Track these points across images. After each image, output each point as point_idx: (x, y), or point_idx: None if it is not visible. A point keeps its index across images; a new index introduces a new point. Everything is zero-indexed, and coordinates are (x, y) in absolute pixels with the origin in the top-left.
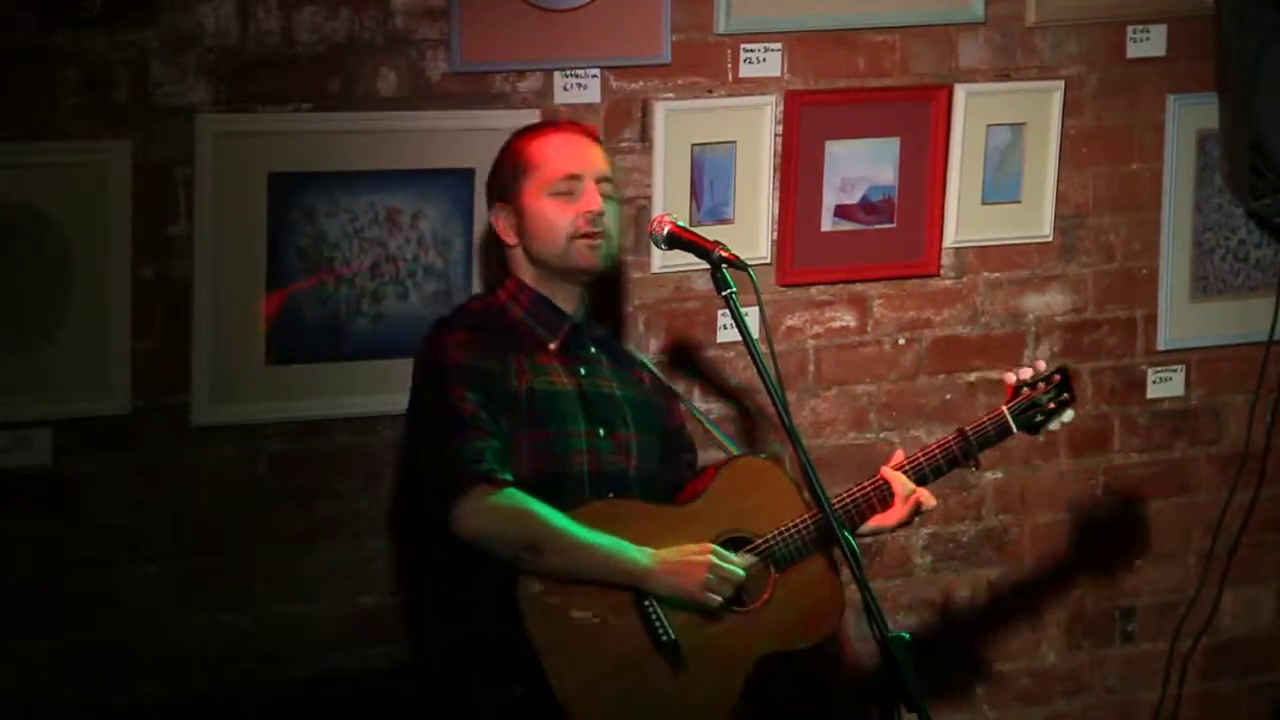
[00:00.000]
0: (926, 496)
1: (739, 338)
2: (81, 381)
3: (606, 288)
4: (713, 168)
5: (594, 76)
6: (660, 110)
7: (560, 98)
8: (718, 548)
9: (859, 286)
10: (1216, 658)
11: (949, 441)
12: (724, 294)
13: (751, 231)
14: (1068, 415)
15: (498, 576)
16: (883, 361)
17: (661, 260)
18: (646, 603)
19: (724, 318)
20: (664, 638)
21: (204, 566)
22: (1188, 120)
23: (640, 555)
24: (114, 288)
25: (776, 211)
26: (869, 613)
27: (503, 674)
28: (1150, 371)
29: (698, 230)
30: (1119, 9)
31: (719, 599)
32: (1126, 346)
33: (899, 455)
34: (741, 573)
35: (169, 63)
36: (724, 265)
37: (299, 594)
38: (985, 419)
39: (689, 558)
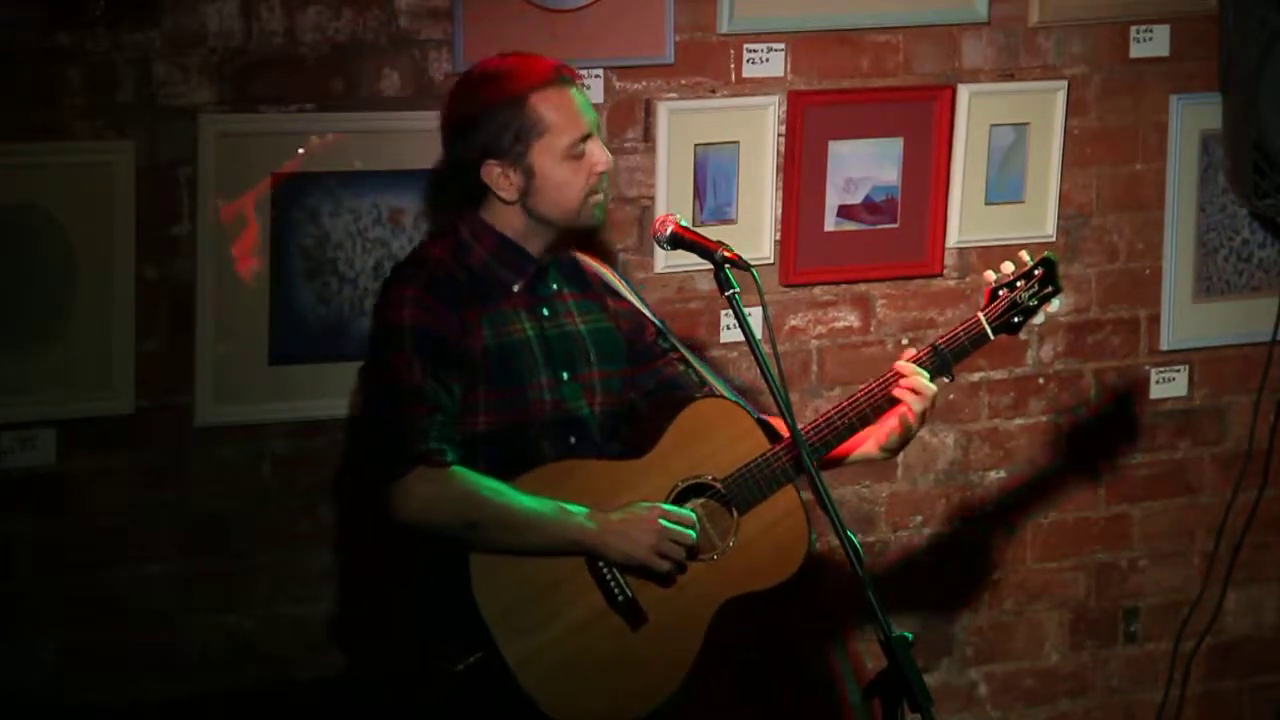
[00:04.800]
0: (924, 389)
1: (742, 338)
2: (85, 382)
3: None
4: (716, 168)
5: (597, 77)
6: (663, 110)
7: None
8: (668, 507)
9: (862, 286)
10: (1220, 658)
11: (921, 357)
12: (727, 294)
13: (754, 232)
14: (1055, 305)
15: (447, 545)
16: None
17: (665, 261)
18: (600, 562)
19: (727, 318)
20: (620, 597)
21: (207, 567)
22: (1191, 120)
23: (587, 522)
24: (118, 288)
25: (779, 212)
26: (872, 613)
27: (453, 642)
28: (1154, 372)
29: (701, 231)
30: (1122, 9)
31: (668, 565)
32: (1130, 347)
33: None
34: (692, 534)
35: (172, 63)
36: (727, 265)
37: (302, 594)
38: (959, 328)
39: (638, 523)
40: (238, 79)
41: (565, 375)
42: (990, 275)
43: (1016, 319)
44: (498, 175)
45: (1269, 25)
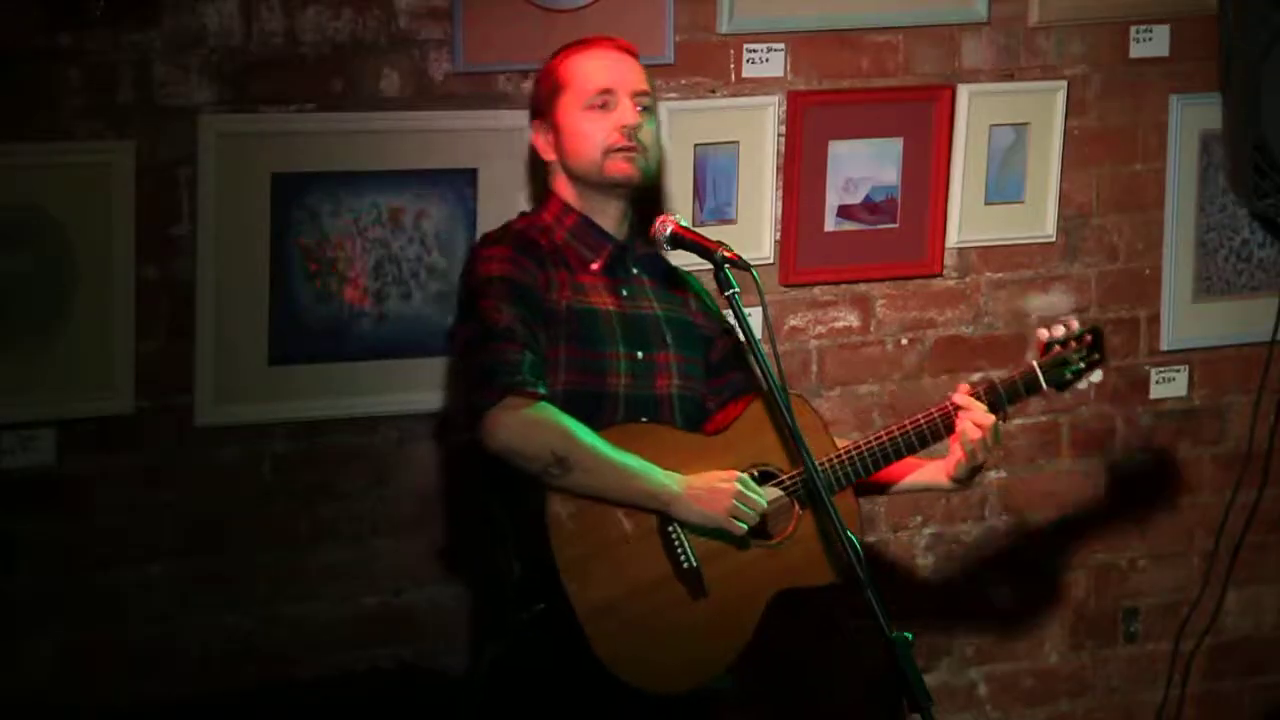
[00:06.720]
0: (981, 417)
1: (742, 338)
2: (85, 382)
3: None
4: (715, 168)
5: None
6: (663, 110)
7: None
8: (744, 475)
9: (862, 287)
10: (1220, 658)
11: (979, 393)
12: (727, 294)
13: (754, 231)
14: (1096, 376)
15: (526, 492)
16: (886, 362)
17: None
18: (670, 528)
19: (727, 318)
20: (685, 564)
21: (207, 567)
22: (1191, 120)
23: (667, 479)
24: (117, 288)
25: (779, 212)
26: (872, 613)
27: (524, 590)
28: (1153, 372)
29: (701, 230)
30: (1122, 9)
31: (744, 527)
32: (1130, 347)
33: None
34: (764, 503)
35: (172, 63)
36: (727, 265)
37: (302, 594)
38: (1016, 374)
39: (716, 484)
40: (238, 79)
41: (640, 354)
42: (1044, 333)
43: (1067, 376)
44: (539, 136)
45: (1269, 25)
